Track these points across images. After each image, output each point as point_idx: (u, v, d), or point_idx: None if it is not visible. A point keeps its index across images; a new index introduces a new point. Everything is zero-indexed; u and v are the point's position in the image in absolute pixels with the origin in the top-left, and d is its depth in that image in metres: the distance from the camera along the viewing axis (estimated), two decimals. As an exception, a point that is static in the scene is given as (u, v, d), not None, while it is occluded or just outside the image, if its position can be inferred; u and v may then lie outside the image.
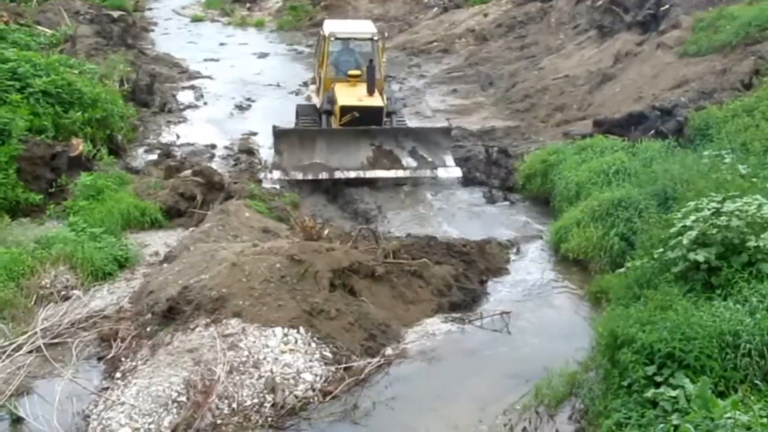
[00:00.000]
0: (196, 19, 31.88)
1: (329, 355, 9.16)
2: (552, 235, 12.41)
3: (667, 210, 10.89)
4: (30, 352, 9.29)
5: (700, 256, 8.61)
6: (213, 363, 8.66)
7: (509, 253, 12.26)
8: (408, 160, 15.23)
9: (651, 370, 7.48)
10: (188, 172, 14.28)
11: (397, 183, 15.12)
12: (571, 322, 10.33)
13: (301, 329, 9.28)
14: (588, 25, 23.27)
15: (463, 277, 11.20)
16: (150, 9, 33.67)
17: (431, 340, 9.89)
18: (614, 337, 8.05)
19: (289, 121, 16.71)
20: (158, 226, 12.97)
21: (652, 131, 14.42)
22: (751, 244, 8.49)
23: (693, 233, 8.76)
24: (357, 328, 9.65)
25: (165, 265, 11.22)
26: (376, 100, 15.59)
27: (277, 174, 14.85)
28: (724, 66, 16.28)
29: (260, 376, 8.69)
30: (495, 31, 26.11)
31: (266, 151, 16.49)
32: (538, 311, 10.67)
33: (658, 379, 7.40)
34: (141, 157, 16.60)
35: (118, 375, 8.91)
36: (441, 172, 15.20)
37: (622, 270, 10.03)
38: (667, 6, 20.51)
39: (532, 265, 11.98)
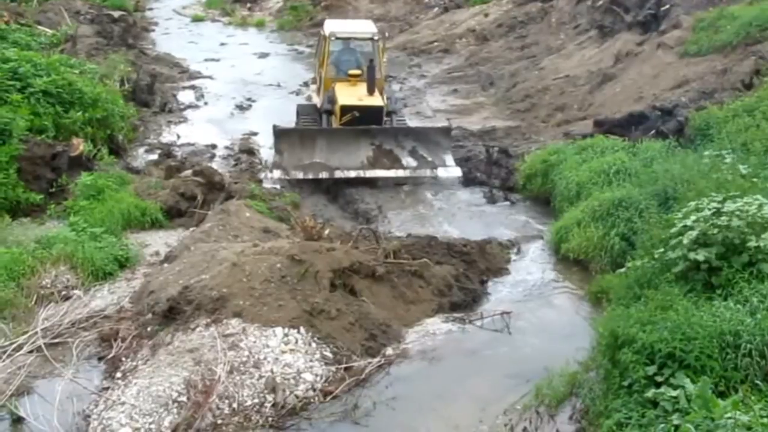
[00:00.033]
0: (196, 19, 31.89)
1: (330, 355, 9.15)
2: (552, 235, 12.40)
3: (667, 210, 10.87)
4: (30, 351, 9.29)
5: (700, 256, 8.60)
6: (213, 363, 8.66)
7: (510, 253, 12.26)
8: (408, 160, 15.24)
9: (651, 370, 7.47)
10: (189, 172, 14.29)
11: (398, 183, 15.12)
12: (571, 322, 10.32)
13: (302, 329, 9.27)
14: (588, 25, 23.25)
15: (464, 277, 11.19)
16: (150, 9, 33.68)
17: (432, 340, 9.88)
18: (615, 337, 8.04)
19: (289, 121, 16.70)
20: (159, 226, 12.98)
21: (653, 131, 14.41)
22: (752, 244, 8.48)
23: (693, 233, 8.76)
24: (357, 328, 9.64)
25: (165, 265, 11.22)
26: (377, 100, 15.60)
27: (277, 173, 14.86)
28: (724, 66, 16.28)
29: (261, 376, 8.68)
30: (495, 31, 26.10)
31: (267, 151, 16.48)
32: (539, 311, 10.66)
33: (659, 379, 7.39)
34: (141, 157, 16.61)
35: (118, 375, 8.91)
36: (441, 172, 15.20)
37: (622, 270, 10.02)
38: (667, 6, 20.50)
39: (532, 265, 11.97)
